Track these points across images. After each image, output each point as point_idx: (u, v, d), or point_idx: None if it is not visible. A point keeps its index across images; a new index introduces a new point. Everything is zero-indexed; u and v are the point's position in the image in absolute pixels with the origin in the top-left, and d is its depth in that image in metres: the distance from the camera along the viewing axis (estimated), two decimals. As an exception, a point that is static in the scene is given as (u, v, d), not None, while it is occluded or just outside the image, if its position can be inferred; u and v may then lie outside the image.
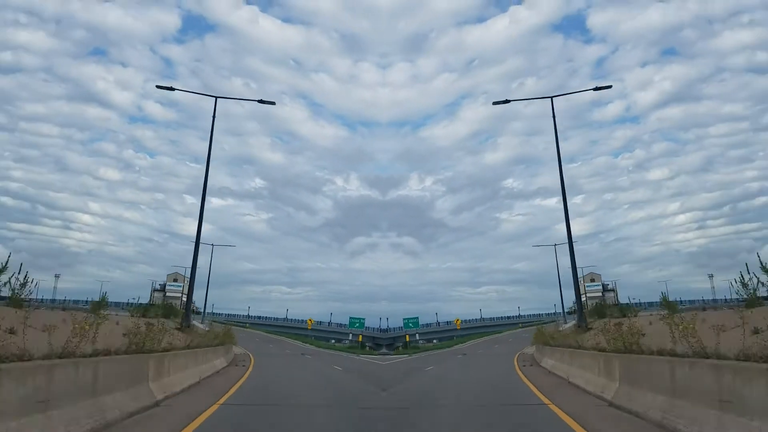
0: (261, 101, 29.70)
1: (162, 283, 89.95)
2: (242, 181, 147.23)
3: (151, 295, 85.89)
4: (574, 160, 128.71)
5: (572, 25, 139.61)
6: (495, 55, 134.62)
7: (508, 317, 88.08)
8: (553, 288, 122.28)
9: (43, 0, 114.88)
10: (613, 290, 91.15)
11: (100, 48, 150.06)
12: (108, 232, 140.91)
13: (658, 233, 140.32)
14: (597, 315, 42.20)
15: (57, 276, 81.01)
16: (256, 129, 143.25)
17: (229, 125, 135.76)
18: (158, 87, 27.69)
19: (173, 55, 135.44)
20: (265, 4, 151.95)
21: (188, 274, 30.86)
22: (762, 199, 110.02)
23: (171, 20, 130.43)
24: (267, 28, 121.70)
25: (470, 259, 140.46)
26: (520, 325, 78.36)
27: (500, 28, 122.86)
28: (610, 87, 27.82)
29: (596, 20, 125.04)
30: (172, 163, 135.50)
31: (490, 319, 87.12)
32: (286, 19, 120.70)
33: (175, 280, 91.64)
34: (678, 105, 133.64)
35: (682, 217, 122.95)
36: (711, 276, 75.96)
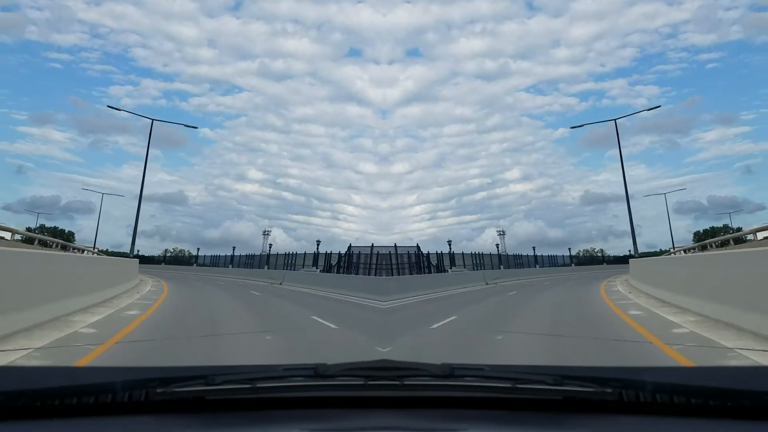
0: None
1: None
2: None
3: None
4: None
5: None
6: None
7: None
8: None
9: (305, 7, 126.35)
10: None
11: (355, 48, 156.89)
12: (368, 222, 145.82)
13: (398, 223, 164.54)
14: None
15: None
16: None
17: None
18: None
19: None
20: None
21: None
22: (481, 194, 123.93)
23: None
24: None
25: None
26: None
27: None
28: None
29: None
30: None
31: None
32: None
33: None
34: (419, 104, 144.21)
35: (418, 209, 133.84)
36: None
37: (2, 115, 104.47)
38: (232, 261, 48.84)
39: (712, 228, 65.53)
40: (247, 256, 47.72)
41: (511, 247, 65.78)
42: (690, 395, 1.21)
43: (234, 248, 51.62)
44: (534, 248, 50.48)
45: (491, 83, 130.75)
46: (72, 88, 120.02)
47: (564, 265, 52.62)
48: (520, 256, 47.76)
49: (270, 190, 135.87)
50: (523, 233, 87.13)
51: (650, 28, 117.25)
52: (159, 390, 1.23)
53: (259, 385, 1.25)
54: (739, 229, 61.21)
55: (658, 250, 55.04)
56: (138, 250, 66.37)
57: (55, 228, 69.69)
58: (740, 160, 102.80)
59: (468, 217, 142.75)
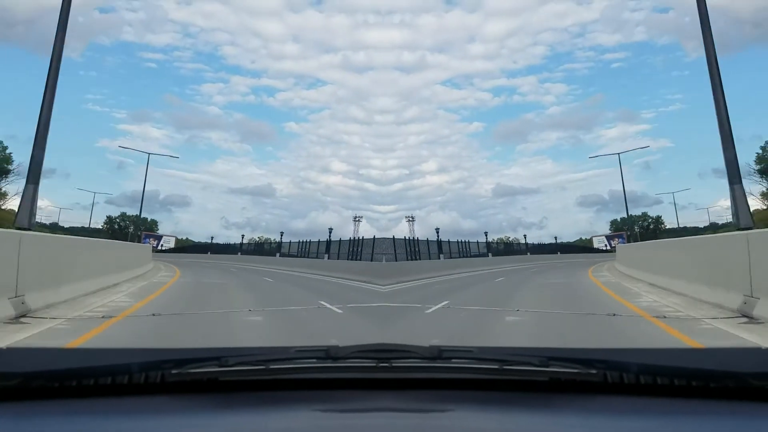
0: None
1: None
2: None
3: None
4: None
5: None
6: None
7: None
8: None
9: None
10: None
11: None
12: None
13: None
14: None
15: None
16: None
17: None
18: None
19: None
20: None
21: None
22: (398, 185, 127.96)
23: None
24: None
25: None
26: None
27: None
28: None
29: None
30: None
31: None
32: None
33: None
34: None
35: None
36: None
37: (104, 114, 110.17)
38: (328, 250, 33.45)
39: (630, 217, 68.14)
40: (352, 242, 32.78)
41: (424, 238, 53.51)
42: (674, 376, 1.24)
43: (331, 230, 37.05)
44: (437, 230, 37.30)
45: (409, 75, 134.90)
46: (166, 87, 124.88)
47: (481, 254, 41.62)
48: (417, 242, 33.37)
49: (353, 182, 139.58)
50: (438, 224, 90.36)
51: (560, 26, 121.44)
52: (174, 371, 1.23)
53: (272, 367, 1.26)
54: (659, 218, 65.21)
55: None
56: (212, 237, 59.29)
57: (137, 217, 70.88)
58: (640, 156, 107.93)
59: (385, 208, 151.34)
